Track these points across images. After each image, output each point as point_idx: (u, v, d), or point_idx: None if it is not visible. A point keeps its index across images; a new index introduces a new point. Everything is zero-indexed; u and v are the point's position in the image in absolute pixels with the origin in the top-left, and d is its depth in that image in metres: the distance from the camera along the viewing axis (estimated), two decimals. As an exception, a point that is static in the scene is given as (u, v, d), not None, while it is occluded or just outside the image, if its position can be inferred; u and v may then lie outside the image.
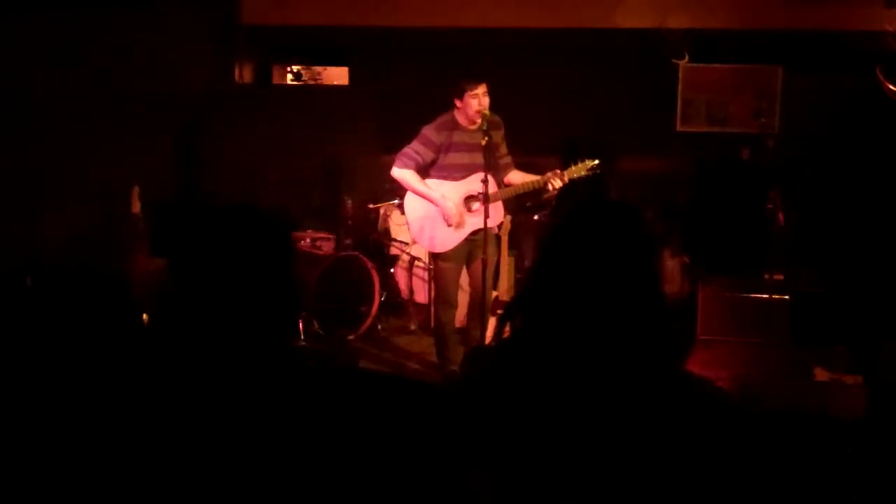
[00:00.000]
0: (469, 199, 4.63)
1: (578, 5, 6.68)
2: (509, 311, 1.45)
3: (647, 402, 1.30)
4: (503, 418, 1.32)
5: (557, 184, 4.48)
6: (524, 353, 1.38)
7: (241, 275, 1.53)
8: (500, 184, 4.65)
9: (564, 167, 4.53)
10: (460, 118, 4.54)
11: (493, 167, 4.51)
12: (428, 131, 4.55)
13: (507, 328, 1.47)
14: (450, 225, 4.60)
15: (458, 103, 4.50)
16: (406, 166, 4.54)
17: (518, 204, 5.72)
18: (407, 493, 1.34)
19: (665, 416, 1.29)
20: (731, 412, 1.35)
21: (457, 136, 4.53)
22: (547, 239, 1.45)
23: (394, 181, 4.74)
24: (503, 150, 4.71)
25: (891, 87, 5.44)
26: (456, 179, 4.59)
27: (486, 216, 4.37)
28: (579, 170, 4.50)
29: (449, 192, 4.60)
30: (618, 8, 6.58)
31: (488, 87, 4.46)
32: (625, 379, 1.31)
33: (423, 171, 4.62)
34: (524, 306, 1.43)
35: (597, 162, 4.50)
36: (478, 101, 4.42)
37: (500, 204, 4.64)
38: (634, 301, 1.36)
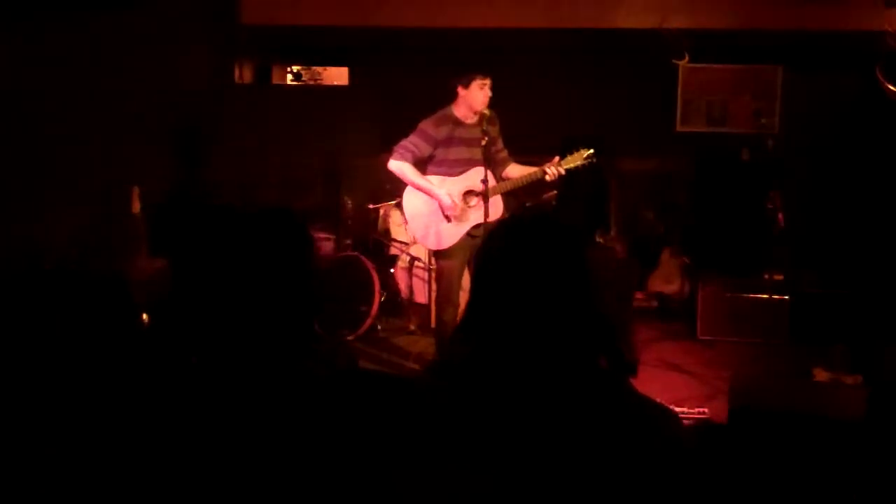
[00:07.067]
0: (468, 194, 4.63)
1: (578, 5, 6.67)
2: (457, 333, 1.45)
3: (591, 421, 1.29)
4: (455, 435, 1.32)
5: (554, 173, 4.48)
6: (474, 371, 1.38)
7: (265, 276, 1.56)
8: (498, 178, 4.67)
9: (562, 158, 4.54)
10: (459, 112, 4.54)
11: (491, 161, 4.52)
12: (426, 126, 4.56)
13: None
14: (449, 219, 4.59)
15: (461, 91, 4.51)
16: (403, 158, 4.55)
17: (518, 203, 5.72)
18: (406, 492, 1.34)
19: (608, 437, 1.28)
20: (675, 433, 1.34)
21: (456, 132, 4.54)
22: (476, 260, 1.46)
23: (393, 178, 4.74)
24: (500, 143, 4.72)
25: (891, 87, 5.44)
26: (455, 175, 4.60)
27: (487, 215, 4.38)
28: (575, 159, 4.51)
29: (449, 188, 4.61)
30: (618, 8, 6.58)
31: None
32: (565, 397, 1.31)
33: (421, 166, 4.63)
34: (468, 326, 1.44)
35: (592, 151, 4.51)
36: (484, 92, 4.45)
37: (499, 198, 4.66)
38: (565, 317, 1.36)
